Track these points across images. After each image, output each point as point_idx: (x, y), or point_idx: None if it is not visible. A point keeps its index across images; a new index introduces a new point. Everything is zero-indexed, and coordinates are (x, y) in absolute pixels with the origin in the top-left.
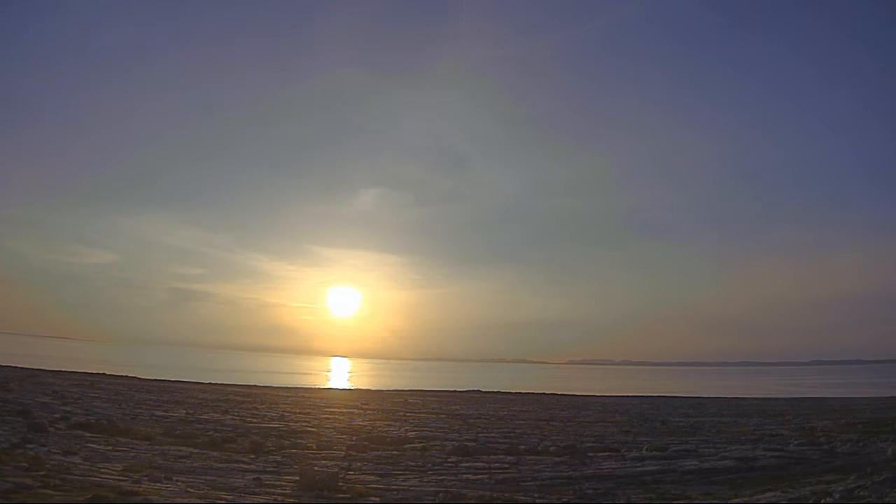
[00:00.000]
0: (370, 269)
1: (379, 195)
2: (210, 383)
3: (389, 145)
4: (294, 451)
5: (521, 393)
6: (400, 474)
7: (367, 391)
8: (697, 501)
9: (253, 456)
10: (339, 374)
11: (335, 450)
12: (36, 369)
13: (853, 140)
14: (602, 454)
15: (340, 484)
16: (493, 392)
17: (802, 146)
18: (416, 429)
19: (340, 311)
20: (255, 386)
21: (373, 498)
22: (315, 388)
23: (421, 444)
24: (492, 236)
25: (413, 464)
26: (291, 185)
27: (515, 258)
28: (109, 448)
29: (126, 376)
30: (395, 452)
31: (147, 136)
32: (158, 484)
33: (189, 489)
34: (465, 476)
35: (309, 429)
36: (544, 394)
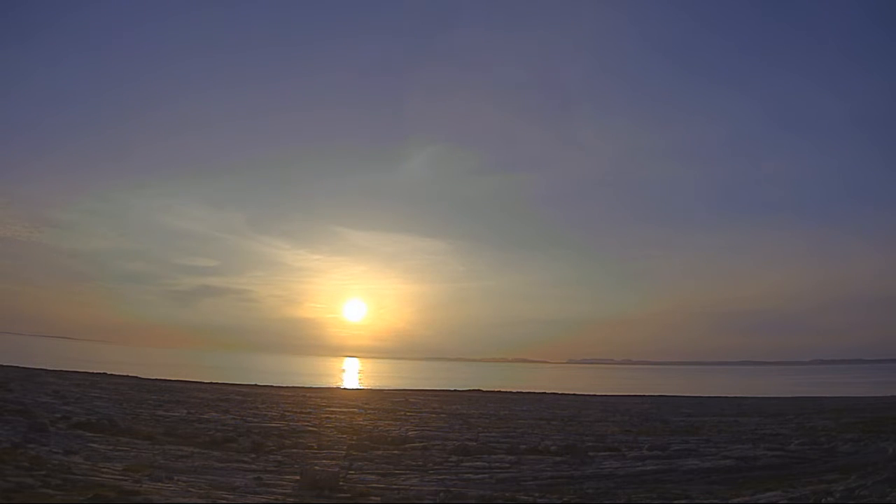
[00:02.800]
0: (408, 257)
1: (436, 156)
2: (211, 383)
3: (469, 81)
4: (295, 450)
5: (521, 392)
6: (401, 473)
7: (369, 390)
8: (698, 501)
9: (254, 455)
10: (346, 374)
11: (336, 449)
12: (37, 369)
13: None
14: (603, 453)
15: (341, 483)
16: (494, 391)
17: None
18: (417, 428)
19: (367, 310)
20: (256, 385)
21: (374, 497)
22: (317, 388)
23: (422, 444)
24: (563, 215)
25: (414, 463)
26: (326, 142)
27: (576, 244)
28: (110, 447)
29: (127, 376)
30: (395, 452)
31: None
32: (159, 483)
33: (190, 489)
34: (466, 475)
35: (310, 428)
36: (545, 393)
